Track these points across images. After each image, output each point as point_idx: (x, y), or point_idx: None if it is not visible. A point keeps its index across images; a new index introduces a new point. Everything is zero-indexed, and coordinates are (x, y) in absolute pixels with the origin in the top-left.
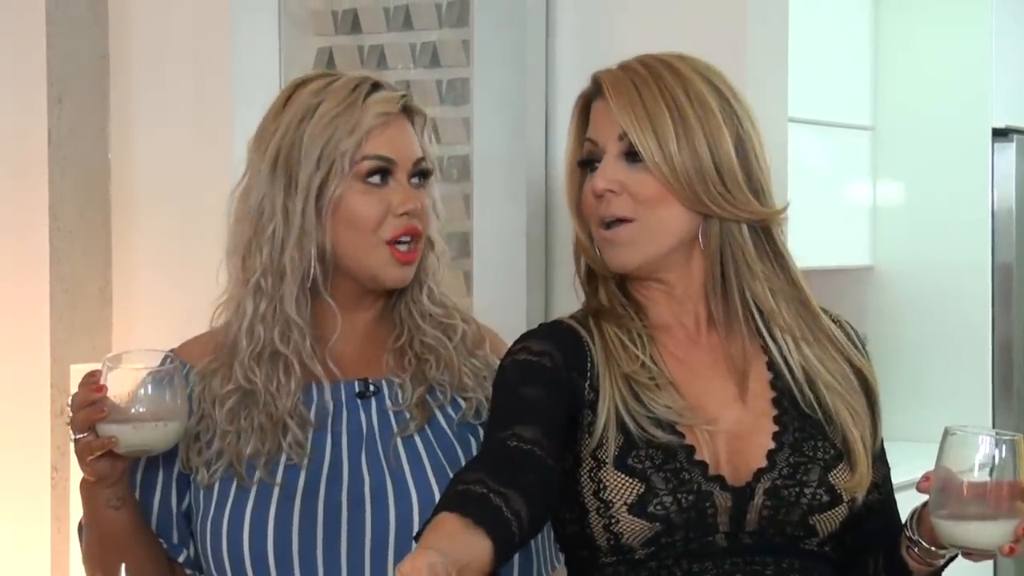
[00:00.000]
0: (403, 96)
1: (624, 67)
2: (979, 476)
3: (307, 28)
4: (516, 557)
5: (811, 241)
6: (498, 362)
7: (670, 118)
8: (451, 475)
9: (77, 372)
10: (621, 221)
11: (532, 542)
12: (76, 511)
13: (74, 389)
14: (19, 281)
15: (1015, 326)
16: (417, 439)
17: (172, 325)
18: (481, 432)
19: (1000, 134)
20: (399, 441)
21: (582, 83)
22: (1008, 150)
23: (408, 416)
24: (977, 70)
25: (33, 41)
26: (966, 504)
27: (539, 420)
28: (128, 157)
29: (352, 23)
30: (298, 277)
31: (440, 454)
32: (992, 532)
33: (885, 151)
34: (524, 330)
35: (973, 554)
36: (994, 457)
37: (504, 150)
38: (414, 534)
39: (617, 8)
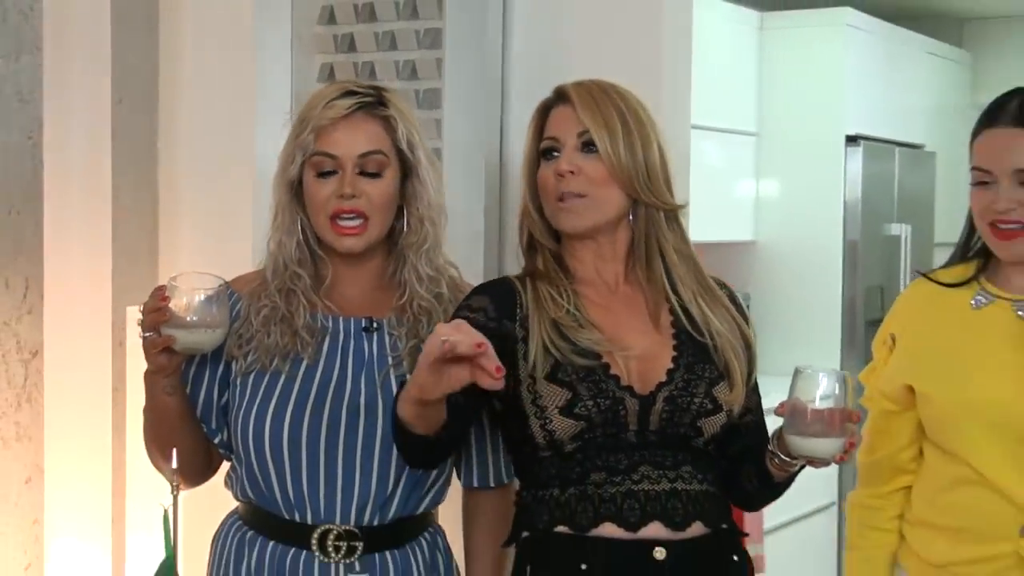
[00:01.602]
0: (357, 103)
1: (582, 84)
2: (820, 404)
3: (313, 48)
4: (475, 471)
5: (710, 221)
6: None
7: (619, 123)
8: None
9: (132, 313)
10: (576, 196)
11: (490, 459)
12: (132, 423)
13: (130, 327)
14: (88, 246)
15: (859, 288)
16: (410, 376)
17: None
18: None
19: (851, 140)
20: (391, 371)
21: (529, 93)
22: (857, 153)
23: (401, 359)
24: (835, 90)
25: (101, 55)
26: (809, 425)
27: None
28: (173, 148)
29: (349, 44)
30: (294, 238)
31: None
32: (828, 446)
33: (766, 152)
34: (482, 279)
35: (815, 462)
36: (830, 390)
37: (467, 144)
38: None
39: (557, 36)
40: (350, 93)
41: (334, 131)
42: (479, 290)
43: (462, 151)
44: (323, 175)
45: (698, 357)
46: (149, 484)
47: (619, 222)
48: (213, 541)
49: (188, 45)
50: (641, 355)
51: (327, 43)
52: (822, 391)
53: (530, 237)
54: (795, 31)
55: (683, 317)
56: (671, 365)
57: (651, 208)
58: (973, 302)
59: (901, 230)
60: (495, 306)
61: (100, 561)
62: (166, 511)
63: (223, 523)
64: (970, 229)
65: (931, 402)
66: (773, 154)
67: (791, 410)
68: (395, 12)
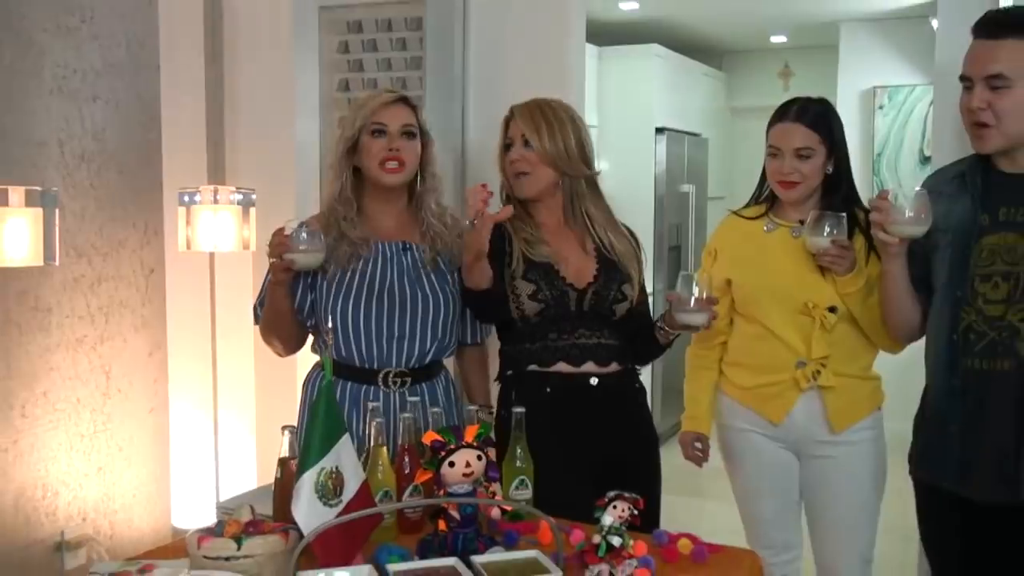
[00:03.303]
0: (398, 97)
1: (525, 104)
2: (696, 293)
3: (333, 68)
4: (468, 333)
5: None
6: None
7: (545, 126)
8: (442, 290)
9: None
10: (525, 174)
11: (479, 327)
12: (220, 316)
13: (217, 260)
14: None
15: (664, 226)
16: (433, 276)
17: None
18: (451, 277)
19: (659, 131)
20: (423, 273)
21: (480, 102)
22: (663, 139)
23: (427, 265)
24: (647, 98)
25: (196, 77)
26: (687, 306)
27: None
28: (237, 132)
29: (359, 66)
30: (339, 183)
31: (437, 283)
32: (700, 318)
33: (604, 139)
34: None
35: (690, 328)
36: (700, 284)
37: (439, 134)
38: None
39: (498, 63)
40: (390, 91)
41: (385, 111)
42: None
43: (436, 139)
44: (376, 136)
45: (611, 268)
46: (234, 358)
47: (555, 188)
48: (305, 383)
49: (248, 63)
50: (576, 265)
51: (343, 65)
52: (696, 285)
53: (505, 193)
54: (621, 59)
55: (601, 245)
56: (595, 272)
57: (573, 178)
58: (765, 228)
59: (689, 188)
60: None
61: (204, 406)
62: (325, 356)
63: (310, 374)
64: (761, 184)
65: (742, 287)
66: (609, 140)
67: (676, 298)
68: (390, 45)
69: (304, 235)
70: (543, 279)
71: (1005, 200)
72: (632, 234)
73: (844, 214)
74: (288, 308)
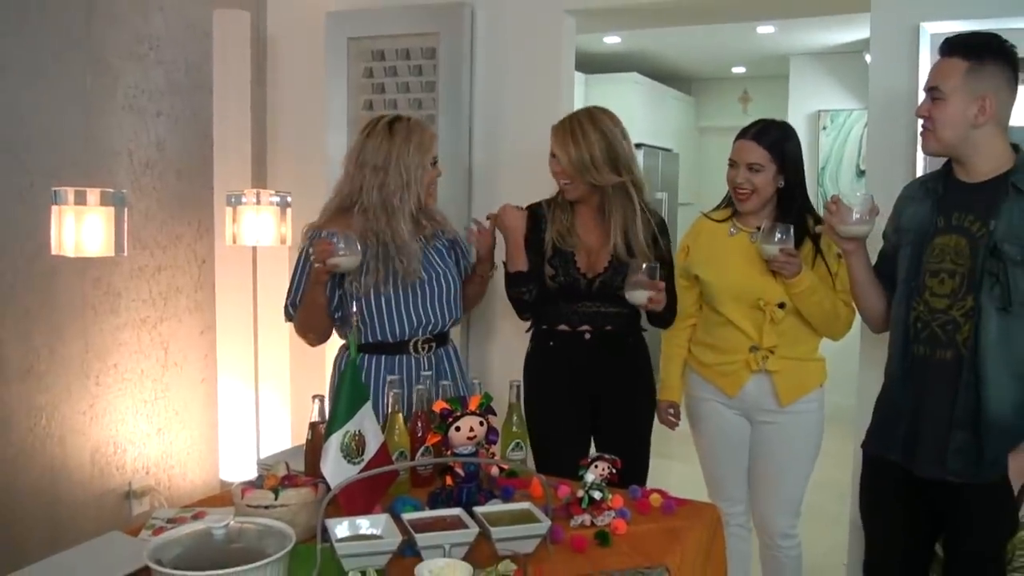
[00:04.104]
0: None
1: (564, 118)
2: (641, 276)
3: (359, 90)
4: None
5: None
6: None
7: (571, 141)
8: (446, 268)
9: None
10: (567, 182)
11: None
12: (261, 302)
13: (259, 255)
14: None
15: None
16: (435, 259)
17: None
18: (448, 256)
19: (637, 146)
20: (434, 255)
21: (485, 119)
22: (640, 155)
23: (438, 251)
24: (627, 119)
25: (243, 98)
26: (635, 287)
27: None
28: (277, 145)
29: (381, 88)
30: (414, 202)
31: (442, 264)
32: (640, 296)
33: None
34: (464, 219)
35: (638, 305)
36: (650, 271)
37: (450, 147)
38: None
39: (500, 87)
40: (427, 125)
41: (434, 144)
42: (528, 207)
43: (446, 152)
44: (434, 166)
45: (622, 264)
46: (272, 336)
47: (591, 192)
48: (335, 360)
49: (287, 86)
50: (592, 258)
51: (367, 88)
52: (644, 269)
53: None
54: (605, 85)
55: (620, 238)
56: (607, 265)
57: (600, 185)
58: (730, 231)
59: (662, 196)
60: (531, 220)
61: (247, 378)
62: (349, 338)
63: (338, 354)
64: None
65: (706, 283)
66: None
67: (632, 280)
68: (408, 71)
69: (342, 242)
70: (561, 266)
71: (958, 206)
72: (659, 226)
73: (792, 225)
74: (324, 303)
